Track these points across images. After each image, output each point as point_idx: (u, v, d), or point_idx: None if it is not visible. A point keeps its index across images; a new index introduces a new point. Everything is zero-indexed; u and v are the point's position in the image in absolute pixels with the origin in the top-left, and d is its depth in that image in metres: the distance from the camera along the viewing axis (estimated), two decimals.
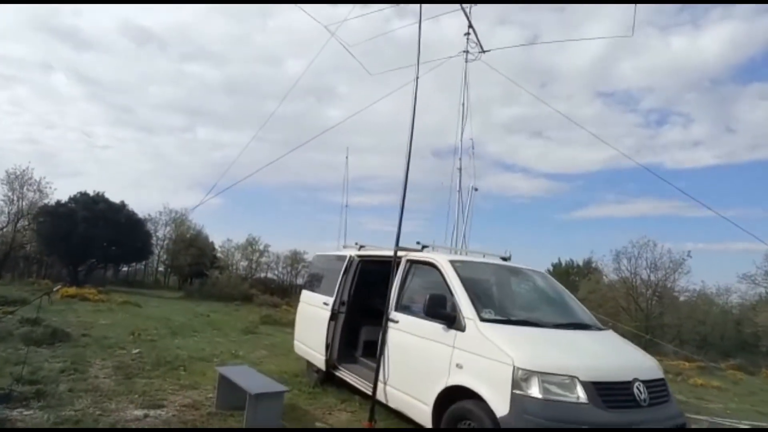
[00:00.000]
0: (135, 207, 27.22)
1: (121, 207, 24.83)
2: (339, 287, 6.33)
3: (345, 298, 6.33)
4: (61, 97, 49.82)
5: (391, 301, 5.26)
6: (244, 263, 35.94)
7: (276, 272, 37.38)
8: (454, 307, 4.40)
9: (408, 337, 4.85)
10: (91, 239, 23.14)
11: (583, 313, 5.13)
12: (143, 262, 35.22)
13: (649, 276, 29.08)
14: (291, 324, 14.48)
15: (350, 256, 6.45)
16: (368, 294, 6.88)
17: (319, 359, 6.32)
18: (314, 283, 7.24)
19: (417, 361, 4.65)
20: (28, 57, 47.63)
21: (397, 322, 5.07)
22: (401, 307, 5.18)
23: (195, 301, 22.31)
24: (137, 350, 7.56)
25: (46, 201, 25.79)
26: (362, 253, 6.50)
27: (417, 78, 6.27)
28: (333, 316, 6.26)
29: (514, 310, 4.73)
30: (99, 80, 51.10)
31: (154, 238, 35.03)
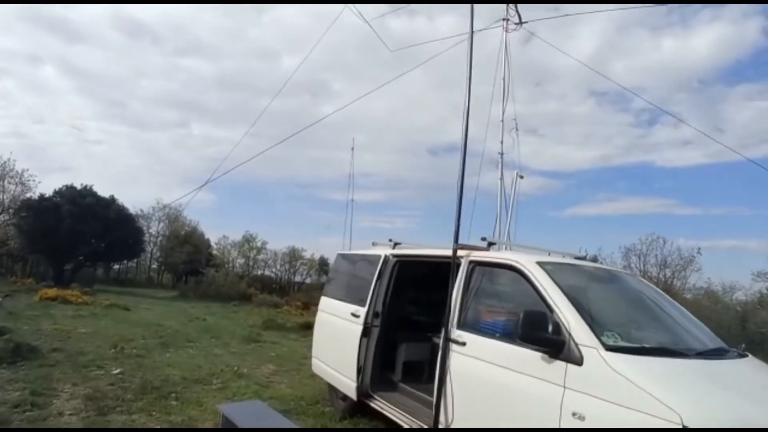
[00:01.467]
0: (127, 203, 25.80)
1: (111, 201, 23.26)
2: (372, 295, 4.98)
3: (379, 308, 4.97)
4: (50, 90, 47.66)
5: (451, 316, 3.93)
6: (241, 261, 34.50)
7: (274, 270, 35.94)
8: (558, 328, 3.07)
9: (482, 365, 3.52)
10: (78, 235, 21.57)
11: (705, 331, 3.84)
12: (135, 260, 33.63)
13: (658, 273, 28.07)
14: (296, 329, 13.11)
15: (385, 257, 5.10)
16: (407, 303, 5.56)
17: (348, 385, 4.96)
18: (338, 288, 5.87)
19: (501, 401, 3.33)
20: (16, 48, 45.48)
21: (462, 344, 3.74)
22: (466, 325, 3.86)
23: (190, 301, 20.87)
24: (118, 370, 6.16)
25: (29, 195, 24.20)
26: (401, 252, 5.16)
27: (471, 37, 4.97)
28: (365, 331, 4.91)
29: (640, 332, 3.40)
30: (90, 73, 48.91)
31: (147, 235, 33.50)
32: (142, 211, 32.67)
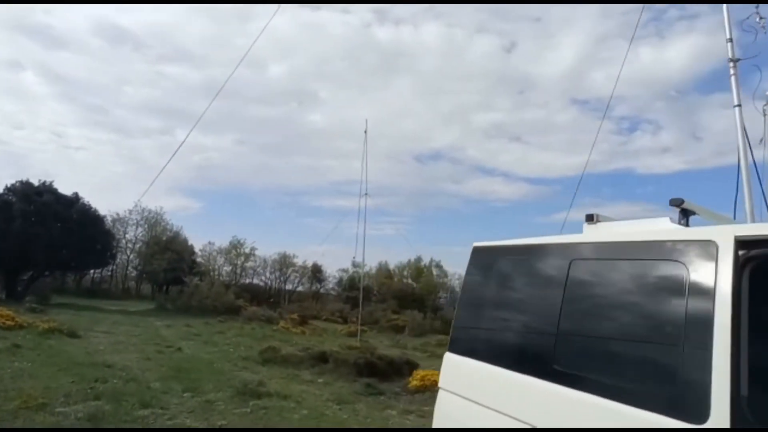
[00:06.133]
0: (109, 210, 21.46)
1: (74, 200, 18.91)
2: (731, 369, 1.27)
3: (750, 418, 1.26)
4: (30, 96, 42.85)
5: None
6: (227, 268, 30.20)
7: (263, 278, 31.73)
8: None
9: None
10: (33, 239, 17.23)
11: None
12: (109, 268, 29.06)
13: None
14: (305, 361, 9.01)
15: (735, 249, 1.39)
16: None
17: None
18: (515, 339, 2.09)
19: None
20: None
21: None
22: None
23: (167, 316, 16.71)
24: None
25: None
26: None
27: None
28: None
29: None
30: (71, 79, 44.27)
31: (123, 241, 29.04)
32: (118, 214, 28.30)
